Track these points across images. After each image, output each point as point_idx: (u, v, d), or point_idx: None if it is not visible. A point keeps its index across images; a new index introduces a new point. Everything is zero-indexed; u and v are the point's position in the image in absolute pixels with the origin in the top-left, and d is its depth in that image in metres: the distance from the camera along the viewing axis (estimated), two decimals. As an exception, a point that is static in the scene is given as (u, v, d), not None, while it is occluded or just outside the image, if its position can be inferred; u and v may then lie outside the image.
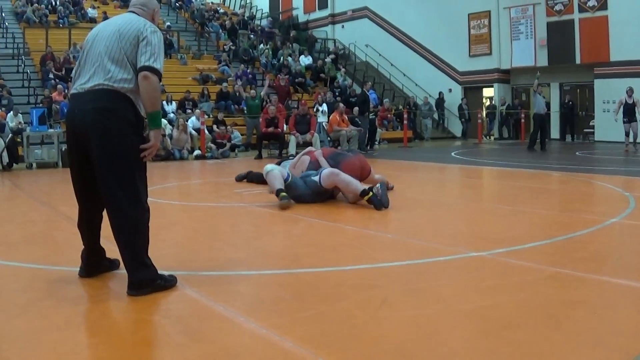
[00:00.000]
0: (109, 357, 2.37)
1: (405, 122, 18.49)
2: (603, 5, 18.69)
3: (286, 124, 15.05)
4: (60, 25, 21.05)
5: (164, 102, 15.90)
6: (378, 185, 5.89)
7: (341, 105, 15.26)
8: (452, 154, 14.37)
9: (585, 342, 2.44)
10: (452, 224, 5.34)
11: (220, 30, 24.29)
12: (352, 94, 18.30)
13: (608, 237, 4.60)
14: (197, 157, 13.98)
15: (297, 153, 13.05)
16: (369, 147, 16.19)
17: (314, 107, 16.86)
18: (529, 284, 3.25)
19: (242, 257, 4.03)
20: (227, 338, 2.54)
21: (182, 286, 3.24)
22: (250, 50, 22.59)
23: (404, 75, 23.83)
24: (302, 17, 28.72)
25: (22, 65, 17.27)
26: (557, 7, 19.80)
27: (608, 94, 18.41)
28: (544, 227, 5.01)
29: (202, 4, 27.19)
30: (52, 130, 12.64)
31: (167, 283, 3.20)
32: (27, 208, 6.46)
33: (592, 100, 19.57)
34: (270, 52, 22.98)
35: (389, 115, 20.34)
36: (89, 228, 3.38)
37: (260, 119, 14.51)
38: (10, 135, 12.03)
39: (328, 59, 23.32)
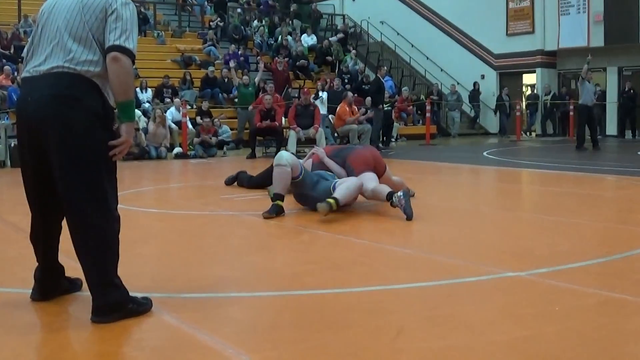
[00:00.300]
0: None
1: (428, 115, 18.50)
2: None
3: (285, 117, 15.08)
4: (7, -7, 21.13)
5: (138, 90, 15.95)
6: (400, 193, 5.87)
7: (349, 94, 15.27)
8: (484, 153, 14.36)
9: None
10: (483, 237, 5.33)
11: (206, 3, 24.37)
12: (365, 81, 18.32)
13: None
14: (178, 156, 14.01)
15: (297, 151, 13.15)
16: (383, 145, 16.19)
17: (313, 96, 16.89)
18: (577, 310, 3.23)
19: (232, 276, 4.03)
20: (211, 374, 2.55)
21: (159, 311, 3.24)
22: (242, 27, 22.65)
23: (427, 58, 23.85)
24: (304, -12, 28.86)
25: (-41, 42, 17.31)
26: (616, -25, 19.80)
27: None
28: (596, 243, 5.00)
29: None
30: (-2, 122, 12.66)
31: (141, 307, 3.20)
32: (-28, 216, 6.48)
33: (658, 88, 19.59)
34: (267, 30, 23.03)
35: (408, 107, 20.36)
36: (44, 241, 3.37)
37: (255, 111, 14.54)
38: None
39: (334, 39, 23.35)
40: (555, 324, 3.03)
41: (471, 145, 17.59)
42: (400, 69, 23.60)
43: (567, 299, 3.43)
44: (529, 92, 23.32)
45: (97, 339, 2.95)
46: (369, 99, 15.73)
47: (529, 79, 23.11)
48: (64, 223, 3.23)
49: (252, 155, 13.44)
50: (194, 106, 16.31)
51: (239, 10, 23.99)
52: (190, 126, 14.80)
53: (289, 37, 22.57)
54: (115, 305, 3.11)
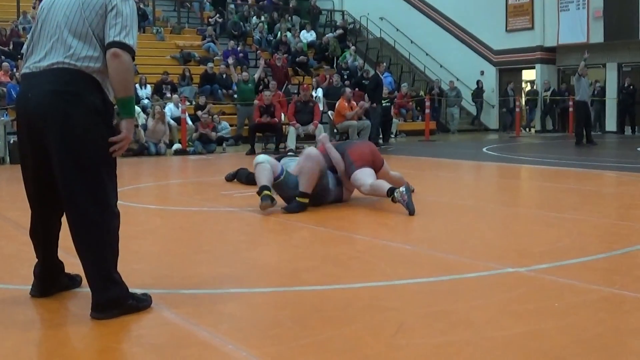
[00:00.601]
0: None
1: (427, 111, 18.49)
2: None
3: (284, 113, 15.07)
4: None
5: (137, 86, 15.95)
6: (402, 188, 5.88)
7: (347, 90, 15.27)
8: (484, 149, 14.37)
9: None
10: (483, 233, 5.33)
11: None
12: (365, 76, 18.30)
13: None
14: (177, 152, 14.01)
15: (297, 147, 13.14)
16: (382, 141, 16.19)
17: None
18: (577, 307, 3.23)
19: (231, 273, 4.03)
20: (211, 370, 2.54)
21: (159, 307, 3.24)
22: (241, 23, 22.63)
23: (427, 54, 23.84)
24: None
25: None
26: (616, -30, 19.79)
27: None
28: (596, 239, 5.00)
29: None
30: (-2, 118, 12.66)
31: (140, 303, 3.20)
32: (-29, 213, 6.48)
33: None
34: (266, 26, 23.01)
35: (407, 103, 20.35)
36: (44, 237, 3.37)
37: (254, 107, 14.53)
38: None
39: (330, 35, 23.31)
40: (555, 320, 3.03)
41: (470, 141, 17.59)
42: (399, 65, 23.58)
43: (567, 294, 3.43)
44: (528, 88, 23.32)
45: (96, 335, 2.95)
46: (366, 97, 15.75)
47: (528, 75, 23.11)
48: (64, 219, 3.22)
49: (252, 152, 13.42)
50: (193, 102, 16.30)
51: (232, 5, 23.92)
52: (189, 122, 14.79)
53: (288, 33, 22.56)
54: (115, 301, 3.11)
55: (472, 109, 23.06)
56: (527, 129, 22.14)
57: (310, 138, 13.82)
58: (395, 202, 5.86)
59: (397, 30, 24.58)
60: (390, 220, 5.73)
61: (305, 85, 16.10)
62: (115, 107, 3.20)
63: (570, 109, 20.04)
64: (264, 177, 6.09)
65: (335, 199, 6.49)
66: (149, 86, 16.75)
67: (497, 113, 22.91)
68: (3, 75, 15.05)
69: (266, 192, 5.98)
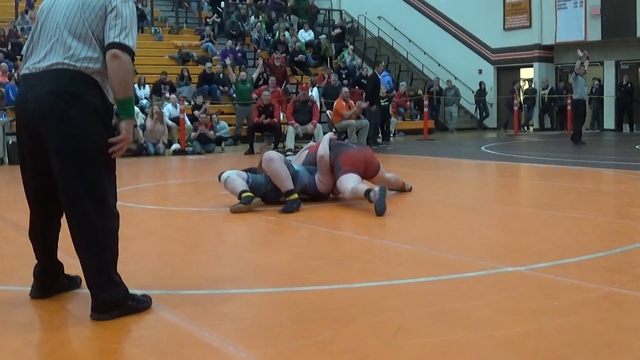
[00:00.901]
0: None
1: (425, 110, 18.49)
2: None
3: (283, 113, 15.06)
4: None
5: (136, 86, 15.94)
6: (377, 188, 5.92)
7: (344, 89, 15.27)
8: (483, 148, 14.37)
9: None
10: (482, 232, 5.33)
11: (203, -1, 24.35)
12: (364, 75, 18.27)
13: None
14: (176, 152, 14.00)
15: (295, 147, 13.13)
16: (381, 140, 16.19)
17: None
18: (576, 305, 3.23)
19: (231, 273, 4.03)
20: (212, 371, 2.54)
21: (158, 308, 3.24)
22: (240, 23, 22.62)
23: (425, 53, 23.85)
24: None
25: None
26: (613, -31, 19.80)
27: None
28: (595, 237, 5.00)
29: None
30: (-4, 119, 12.65)
31: (140, 304, 3.20)
32: (-30, 214, 6.47)
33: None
34: (264, 26, 23.00)
35: (406, 102, 20.35)
36: (43, 238, 3.37)
37: (253, 107, 14.52)
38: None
39: (323, 36, 23.28)
40: (554, 319, 3.03)
41: (469, 140, 17.60)
42: (397, 64, 23.58)
43: (566, 293, 3.43)
44: (526, 86, 23.33)
45: (96, 337, 2.95)
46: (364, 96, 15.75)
47: (526, 73, 23.12)
48: (63, 220, 3.22)
49: (251, 151, 13.43)
50: (192, 102, 16.29)
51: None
52: (188, 122, 14.77)
53: (286, 33, 22.55)
54: (115, 302, 3.11)
55: (471, 108, 23.06)
56: (526, 128, 22.14)
57: (309, 138, 13.81)
58: (371, 202, 5.91)
59: (395, 29, 24.58)
60: (389, 220, 5.72)
61: (304, 85, 16.12)
62: (115, 107, 3.20)
63: (569, 107, 20.07)
64: (238, 185, 6.24)
65: (312, 188, 6.55)
66: (147, 86, 16.74)
67: (495, 111, 22.90)
68: (2, 76, 15.03)
69: (246, 194, 6.13)
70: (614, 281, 3.63)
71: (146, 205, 6.93)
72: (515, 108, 20.06)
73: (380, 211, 5.74)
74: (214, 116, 15.32)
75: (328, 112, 15.97)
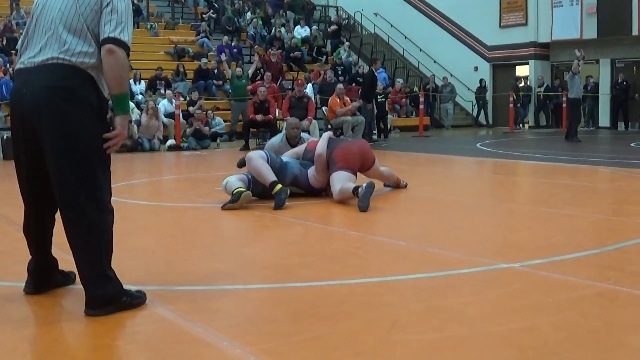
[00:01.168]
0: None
1: (421, 106, 18.49)
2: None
3: (279, 109, 15.03)
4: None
5: (131, 81, 15.89)
6: (364, 185, 5.92)
7: (339, 85, 15.27)
8: (478, 145, 14.40)
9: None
10: (478, 229, 5.34)
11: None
12: (360, 72, 18.24)
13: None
14: (171, 148, 13.98)
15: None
16: (377, 137, 16.20)
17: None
18: (572, 302, 3.24)
19: (226, 269, 4.02)
20: (206, 367, 2.54)
21: (153, 304, 3.24)
22: (235, 19, 22.58)
23: (421, 50, 23.84)
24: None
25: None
26: (610, -33, 19.82)
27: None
28: (590, 234, 5.01)
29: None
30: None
31: (134, 300, 3.20)
32: (-36, 209, 6.45)
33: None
34: (260, 22, 22.97)
35: (401, 99, 20.34)
36: (37, 234, 3.36)
37: (248, 102, 14.49)
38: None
39: (315, 28, 23.23)
40: (549, 316, 3.04)
41: (464, 137, 17.62)
42: (393, 61, 23.56)
43: (561, 290, 3.43)
44: (522, 84, 23.33)
45: (90, 332, 2.94)
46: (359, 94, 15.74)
47: (522, 70, 23.13)
48: (58, 216, 3.21)
49: (246, 147, 13.41)
50: (187, 98, 16.26)
51: (237, 1, 23.86)
52: (182, 118, 14.75)
53: (282, 29, 22.52)
54: (109, 298, 3.10)
55: (467, 105, 23.07)
56: (521, 125, 22.17)
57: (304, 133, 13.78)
58: (358, 198, 5.93)
59: (391, 26, 24.57)
60: (384, 216, 5.73)
61: (299, 81, 16.09)
62: (110, 103, 3.19)
63: (564, 105, 20.10)
64: (233, 185, 6.25)
65: (304, 180, 6.57)
66: (142, 82, 16.69)
67: (491, 109, 22.91)
68: (-3, 71, 14.97)
69: (238, 190, 6.13)
70: (609, 278, 3.64)
71: (141, 200, 6.92)
72: (511, 105, 20.09)
73: (363, 207, 5.75)
74: (210, 112, 15.29)
75: (324, 108, 15.95)
